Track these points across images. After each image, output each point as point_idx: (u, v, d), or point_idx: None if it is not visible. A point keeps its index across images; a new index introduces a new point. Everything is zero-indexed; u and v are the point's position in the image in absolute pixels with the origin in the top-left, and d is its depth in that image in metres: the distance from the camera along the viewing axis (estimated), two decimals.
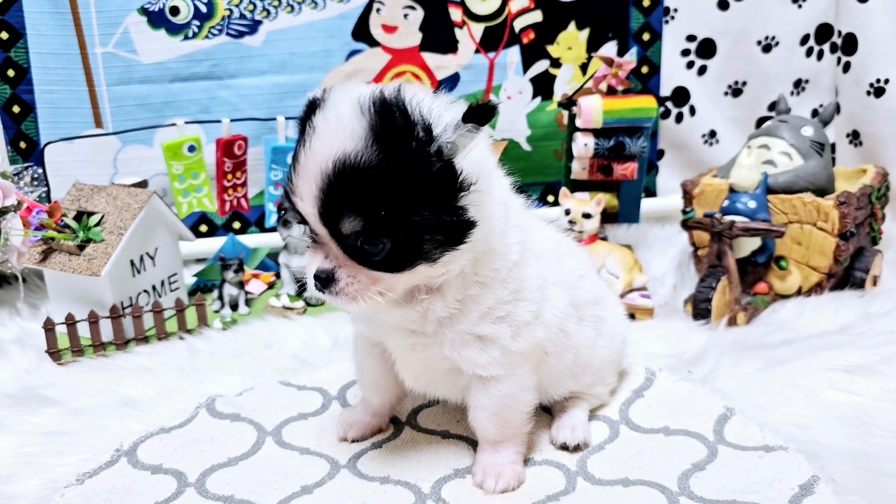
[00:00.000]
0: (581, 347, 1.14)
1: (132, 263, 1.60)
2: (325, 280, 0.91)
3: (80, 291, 1.57)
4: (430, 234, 0.88)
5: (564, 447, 1.15)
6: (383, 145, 0.84)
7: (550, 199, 2.24)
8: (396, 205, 0.85)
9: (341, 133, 0.85)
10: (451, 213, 0.89)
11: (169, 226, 1.69)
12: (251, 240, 2.01)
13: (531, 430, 1.13)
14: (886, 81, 2.07)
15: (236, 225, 2.11)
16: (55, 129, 1.93)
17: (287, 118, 1.87)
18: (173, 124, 1.77)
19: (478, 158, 0.90)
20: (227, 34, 1.97)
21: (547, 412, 1.24)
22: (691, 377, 1.34)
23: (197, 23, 1.95)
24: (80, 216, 1.61)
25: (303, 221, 0.92)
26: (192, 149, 1.77)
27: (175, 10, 1.93)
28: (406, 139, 0.85)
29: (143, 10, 1.92)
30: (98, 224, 1.58)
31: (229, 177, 1.81)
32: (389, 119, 0.85)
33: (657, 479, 1.06)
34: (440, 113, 0.87)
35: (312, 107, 0.90)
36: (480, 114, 0.85)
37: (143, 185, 1.77)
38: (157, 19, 1.93)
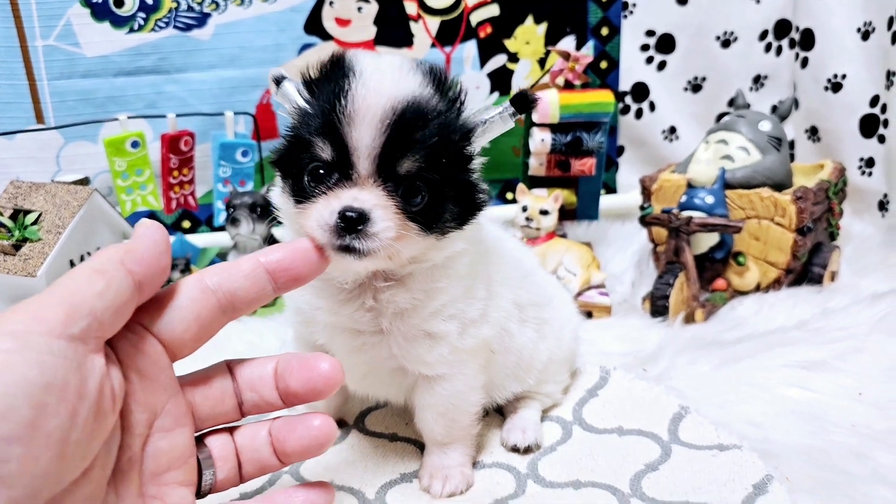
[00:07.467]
0: (523, 349, 1.11)
1: (72, 263, 1.54)
2: (357, 220, 0.80)
3: (16, 293, 1.50)
4: (453, 202, 0.87)
5: (515, 449, 1.11)
6: (444, 99, 0.85)
7: (509, 196, 2.21)
8: (448, 159, 0.85)
9: (407, 78, 0.84)
10: (473, 187, 0.89)
11: (111, 225, 1.63)
12: (201, 239, 1.95)
13: (481, 432, 1.10)
14: (843, 77, 2.07)
15: (186, 224, 2.05)
16: None
17: (236, 113, 1.81)
18: (116, 119, 1.71)
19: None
20: (175, 27, 1.91)
21: (499, 413, 1.21)
22: (646, 375, 1.32)
23: (143, 15, 1.89)
24: (17, 215, 1.54)
25: (321, 160, 0.83)
26: (135, 144, 1.71)
27: (119, 2, 1.87)
28: (454, 103, 0.87)
29: (86, 2, 1.85)
30: (35, 223, 1.52)
31: (175, 174, 1.75)
32: (445, 79, 0.87)
33: (609, 480, 1.03)
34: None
35: (337, 62, 0.87)
36: (524, 103, 0.85)
37: (84, 182, 1.70)
38: (100, 11, 1.87)
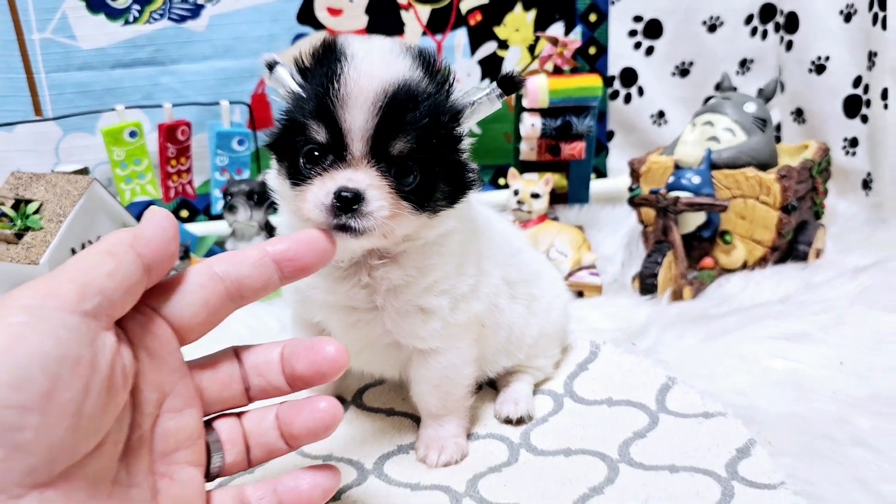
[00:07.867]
0: (513, 325, 1.14)
1: (73, 251, 1.57)
2: (353, 199, 0.83)
3: (19, 281, 1.52)
4: (444, 181, 0.90)
5: (508, 421, 1.15)
6: (434, 81, 0.88)
7: (502, 182, 2.24)
8: (438, 139, 0.88)
9: (397, 61, 0.87)
10: (463, 167, 0.93)
11: (111, 213, 1.66)
12: (199, 228, 1.98)
13: (475, 406, 1.13)
14: (827, 59, 2.11)
15: (184, 214, 2.08)
16: None
17: (231, 102, 1.84)
18: (113, 110, 1.74)
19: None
20: (169, 18, 1.93)
21: (492, 387, 1.24)
22: (635, 349, 1.35)
23: (137, 7, 1.91)
24: (18, 204, 1.57)
25: (316, 142, 0.86)
26: (133, 134, 1.74)
27: None
28: (443, 85, 0.89)
29: None
30: (37, 212, 1.55)
31: (173, 163, 1.78)
32: (433, 62, 0.90)
33: (598, 447, 1.07)
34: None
35: (329, 47, 0.89)
36: (510, 84, 0.89)
37: (83, 172, 1.73)
38: (95, 4, 1.89)
